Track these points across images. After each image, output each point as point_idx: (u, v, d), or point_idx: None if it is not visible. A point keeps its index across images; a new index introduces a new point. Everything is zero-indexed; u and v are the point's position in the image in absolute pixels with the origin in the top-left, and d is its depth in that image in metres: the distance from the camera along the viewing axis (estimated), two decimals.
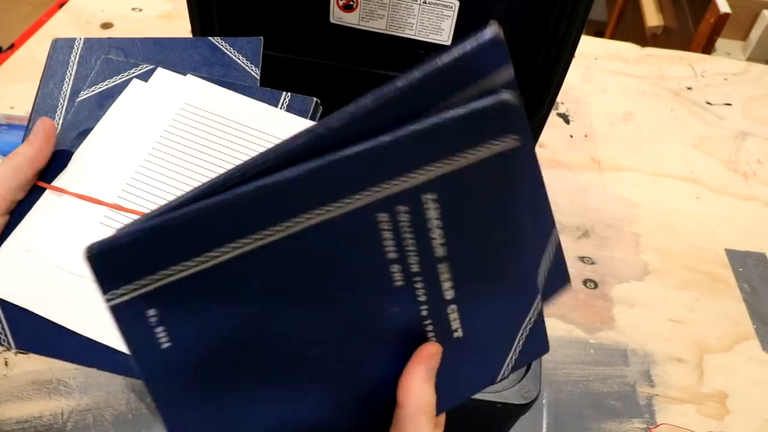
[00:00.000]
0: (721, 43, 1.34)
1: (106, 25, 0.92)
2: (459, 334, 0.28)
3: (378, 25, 0.54)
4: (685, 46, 1.36)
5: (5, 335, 0.35)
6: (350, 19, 0.55)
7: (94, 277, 0.22)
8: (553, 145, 0.82)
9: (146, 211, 0.34)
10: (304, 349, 0.25)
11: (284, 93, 0.46)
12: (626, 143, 0.84)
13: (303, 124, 0.44)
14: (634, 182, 0.79)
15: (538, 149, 0.61)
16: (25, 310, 0.36)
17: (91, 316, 0.36)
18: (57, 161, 0.41)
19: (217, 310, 0.23)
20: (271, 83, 0.60)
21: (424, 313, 0.27)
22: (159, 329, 0.23)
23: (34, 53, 0.86)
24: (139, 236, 0.22)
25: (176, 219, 0.22)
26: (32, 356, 0.55)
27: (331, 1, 0.54)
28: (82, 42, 0.46)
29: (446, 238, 0.25)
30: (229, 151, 0.42)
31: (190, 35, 0.57)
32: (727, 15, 1.26)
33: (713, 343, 0.62)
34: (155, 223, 0.22)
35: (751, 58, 1.31)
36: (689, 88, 0.95)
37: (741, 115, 0.91)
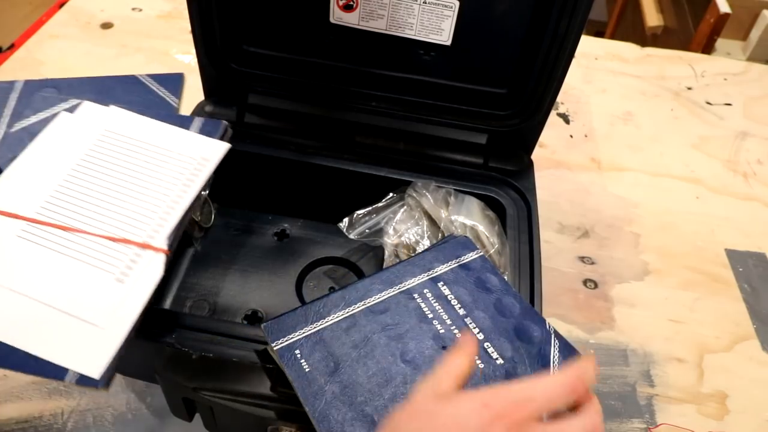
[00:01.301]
0: (721, 43, 1.34)
1: (106, 25, 0.92)
2: (500, 361, 0.42)
3: (378, 25, 0.54)
4: (685, 46, 1.36)
5: None
6: (350, 19, 0.55)
7: (267, 336, 0.41)
8: (553, 145, 0.82)
9: (63, 224, 0.43)
10: (385, 372, 0.41)
11: (197, 118, 0.51)
12: (626, 143, 0.84)
13: (209, 143, 0.49)
14: (634, 182, 0.79)
15: (538, 149, 0.61)
16: None
17: (7, 322, 0.38)
18: None
19: (330, 348, 0.41)
20: (271, 83, 0.60)
21: None
22: (302, 360, 0.41)
23: (34, 53, 0.86)
24: (288, 314, 0.43)
25: (309, 305, 0.44)
26: None
27: (331, 1, 0.54)
28: (22, 83, 0.50)
29: (461, 304, 0.45)
30: (143, 169, 0.47)
31: (190, 35, 0.57)
32: (727, 15, 1.26)
33: (713, 343, 0.62)
34: (297, 308, 0.44)
35: (751, 58, 1.31)
36: (689, 88, 0.95)
37: (741, 115, 0.91)
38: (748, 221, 0.76)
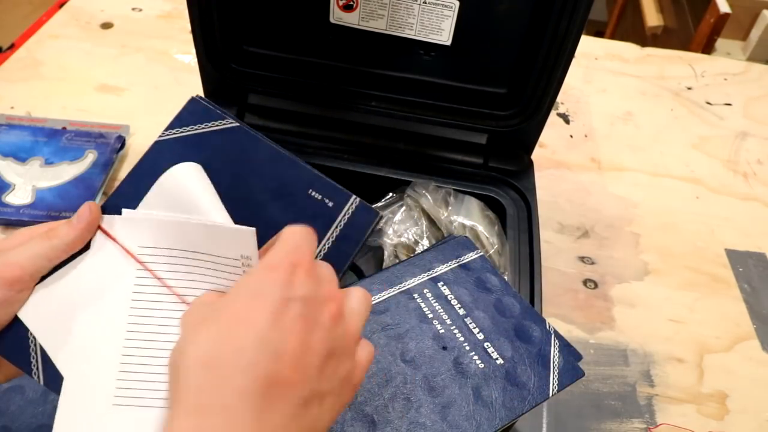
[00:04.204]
0: (721, 43, 1.34)
1: (106, 25, 0.92)
2: (500, 361, 0.42)
3: (378, 25, 0.54)
4: (685, 46, 1.36)
5: (37, 370, 0.35)
6: (350, 19, 0.55)
7: None
8: (553, 145, 0.82)
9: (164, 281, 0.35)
10: (385, 372, 0.41)
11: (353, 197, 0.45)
12: (626, 143, 0.84)
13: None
14: (634, 182, 0.79)
15: (538, 149, 0.61)
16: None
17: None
18: (126, 191, 0.38)
19: None
20: (271, 83, 0.60)
21: (467, 347, 0.43)
22: None
23: (34, 53, 0.86)
24: None
25: None
26: None
27: (331, 1, 0.54)
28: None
29: (461, 304, 0.45)
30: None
31: (190, 35, 0.57)
32: (727, 15, 1.26)
33: (713, 343, 0.62)
34: None
35: (751, 58, 1.31)
36: (689, 88, 0.95)
37: (741, 115, 0.91)
38: (748, 221, 0.76)
